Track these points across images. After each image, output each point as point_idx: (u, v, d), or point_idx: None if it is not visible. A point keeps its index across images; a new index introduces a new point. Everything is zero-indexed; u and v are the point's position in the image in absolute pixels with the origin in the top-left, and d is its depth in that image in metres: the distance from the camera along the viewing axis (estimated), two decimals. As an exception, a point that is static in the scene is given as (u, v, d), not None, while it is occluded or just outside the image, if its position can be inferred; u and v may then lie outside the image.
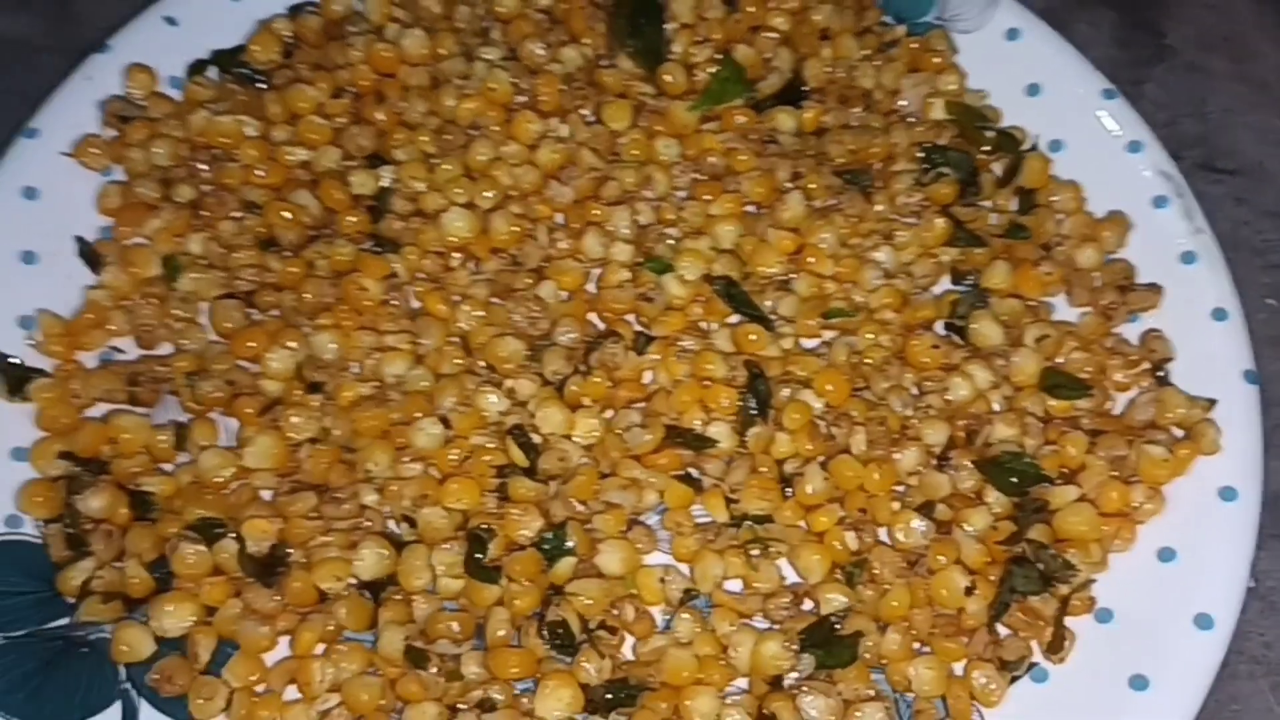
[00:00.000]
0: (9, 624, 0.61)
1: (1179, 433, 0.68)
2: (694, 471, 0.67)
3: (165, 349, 0.70)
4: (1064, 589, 0.63)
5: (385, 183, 0.74)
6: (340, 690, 0.60)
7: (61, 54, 0.82)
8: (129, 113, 0.75)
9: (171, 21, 0.78)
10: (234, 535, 0.62)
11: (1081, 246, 0.73)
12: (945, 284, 0.74)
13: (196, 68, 0.78)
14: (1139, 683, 0.61)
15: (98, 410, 0.67)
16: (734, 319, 0.71)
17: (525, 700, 0.60)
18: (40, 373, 0.67)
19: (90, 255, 0.71)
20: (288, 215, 0.72)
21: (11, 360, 0.67)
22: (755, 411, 0.67)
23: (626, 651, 0.63)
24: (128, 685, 0.61)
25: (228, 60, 0.78)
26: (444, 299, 0.70)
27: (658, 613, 0.63)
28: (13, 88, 0.81)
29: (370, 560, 0.62)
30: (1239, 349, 0.69)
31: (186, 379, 0.67)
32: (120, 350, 0.70)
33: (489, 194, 0.73)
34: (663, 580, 0.63)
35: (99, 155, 0.74)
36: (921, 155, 0.75)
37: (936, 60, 0.79)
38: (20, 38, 0.86)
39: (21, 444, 0.66)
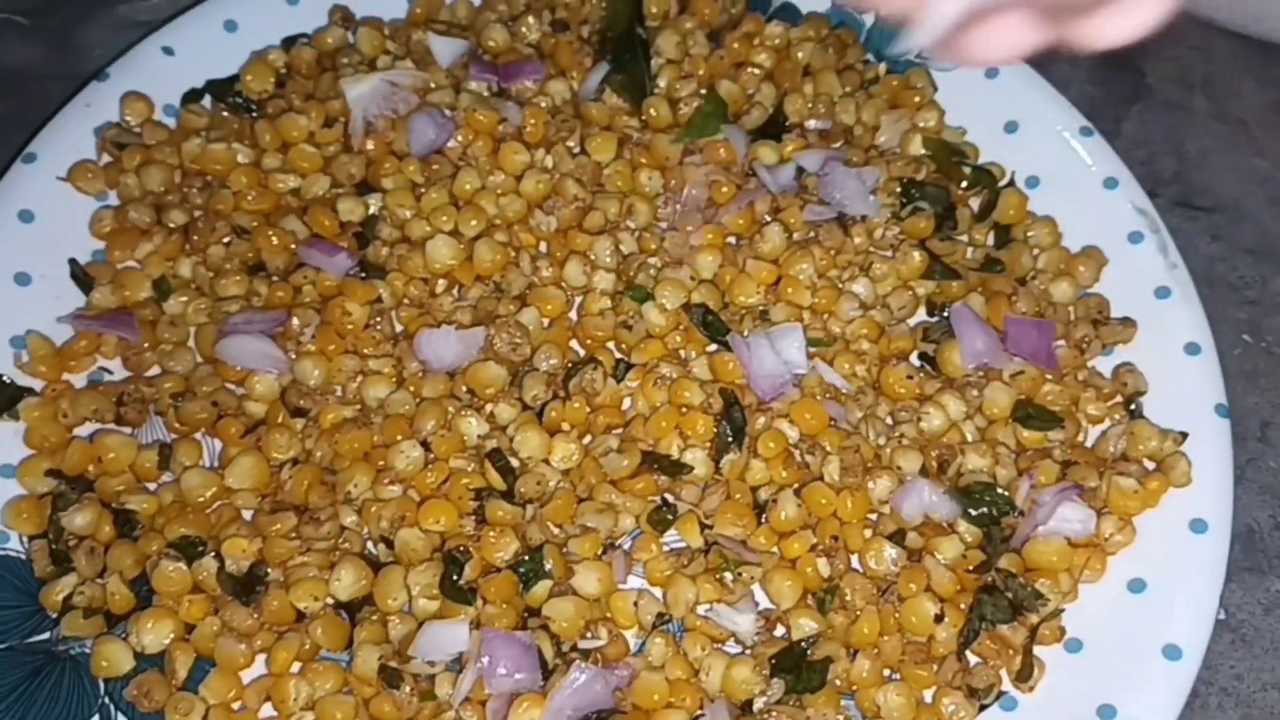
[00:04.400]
0: (-10, 637, 0.62)
1: (1150, 465, 0.68)
2: (669, 497, 0.67)
3: (153, 370, 0.71)
4: (1033, 618, 0.64)
5: (373, 210, 0.75)
6: (315, 708, 0.60)
7: (62, 81, 0.83)
8: (124, 139, 0.77)
9: (169, 51, 0.80)
10: (214, 554, 0.63)
11: (1057, 281, 0.74)
12: (921, 315, 0.75)
13: (191, 96, 0.80)
14: (1107, 712, 0.61)
15: (85, 429, 0.69)
16: (712, 347, 0.72)
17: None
18: (30, 391, 0.69)
19: (82, 278, 0.73)
20: (275, 240, 0.73)
21: (2, 379, 0.68)
22: (730, 439, 0.68)
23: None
24: (107, 700, 0.62)
25: (222, 89, 0.80)
26: (428, 324, 0.71)
27: (631, 636, 0.64)
28: (13, 114, 0.83)
29: (348, 580, 0.63)
30: (1211, 383, 0.70)
31: (172, 400, 0.68)
32: (108, 371, 0.71)
33: (474, 222, 0.74)
34: (636, 604, 0.64)
35: (94, 180, 0.76)
36: (899, 190, 0.76)
37: (916, 97, 0.81)
38: (22, 66, 0.88)
39: (9, 461, 0.67)
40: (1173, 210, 0.82)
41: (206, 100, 0.80)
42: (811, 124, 0.80)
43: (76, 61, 0.87)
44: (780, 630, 0.64)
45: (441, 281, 0.73)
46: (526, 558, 0.64)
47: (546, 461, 0.67)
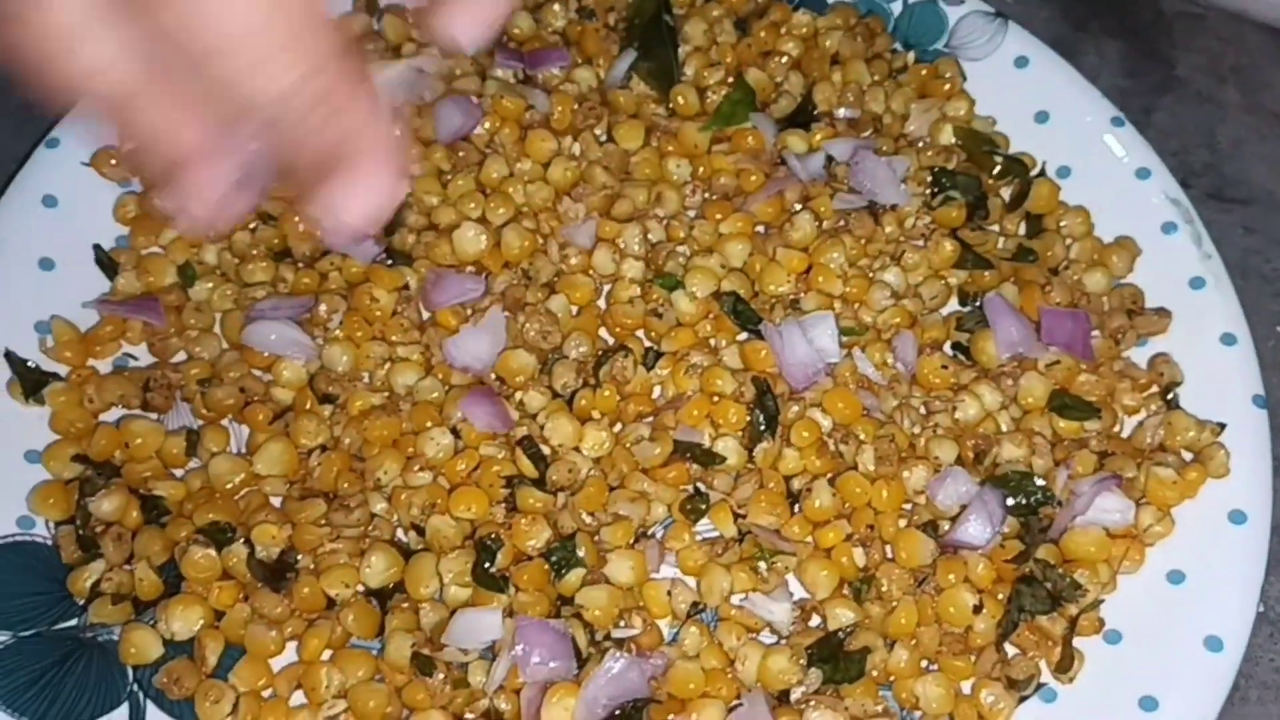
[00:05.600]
0: (19, 623, 0.61)
1: (1188, 456, 0.68)
2: (702, 486, 0.67)
3: (179, 356, 0.70)
4: (1072, 609, 0.63)
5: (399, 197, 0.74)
6: (348, 696, 0.60)
7: (83, 68, 0.83)
8: (148, 125, 0.76)
9: (193, 37, 0.79)
10: (244, 540, 0.62)
11: (1090, 271, 0.73)
12: (953, 305, 0.74)
13: (216, 83, 0.79)
14: (1148, 703, 0.61)
15: (111, 415, 0.68)
16: (742, 336, 0.71)
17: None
18: (55, 377, 0.68)
19: (106, 263, 0.72)
20: (301, 226, 0.72)
21: (28, 364, 0.68)
22: (764, 427, 0.67)
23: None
24: (135, 687, 0.61)
25: (247, 76, 0.79)
26: (455, 312, 0.70)
27: (664, 625, 0.63)
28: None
29: (379, 567, 0.62)
30: (1248, 373, 0.69)
31: (199, 386, 0.68)
32: (133, 356, 0.70)
33: (501, 210, 0.73)
34: (670, 593, 0.63)
35: (117, 166, 0.75)
36: (930, 179, 0.76)
37: (946, 87, 0.80)
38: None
39: (35, 447, 0.66)
40: (1205, 202, 0.81)
41: (231, 86, 0.79)
42: (840, 112, 0.79)
43: (97, 49, 0.87)
44: (816, 620, 0.64)
45: (469, 269, 0.73)
46: (558, 545, 0.63)
47: (577, 449, 0.66)
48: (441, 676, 0.60)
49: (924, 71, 0.81)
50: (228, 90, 0.26)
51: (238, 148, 0.29)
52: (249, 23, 0.25)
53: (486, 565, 0.62)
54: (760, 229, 0.75)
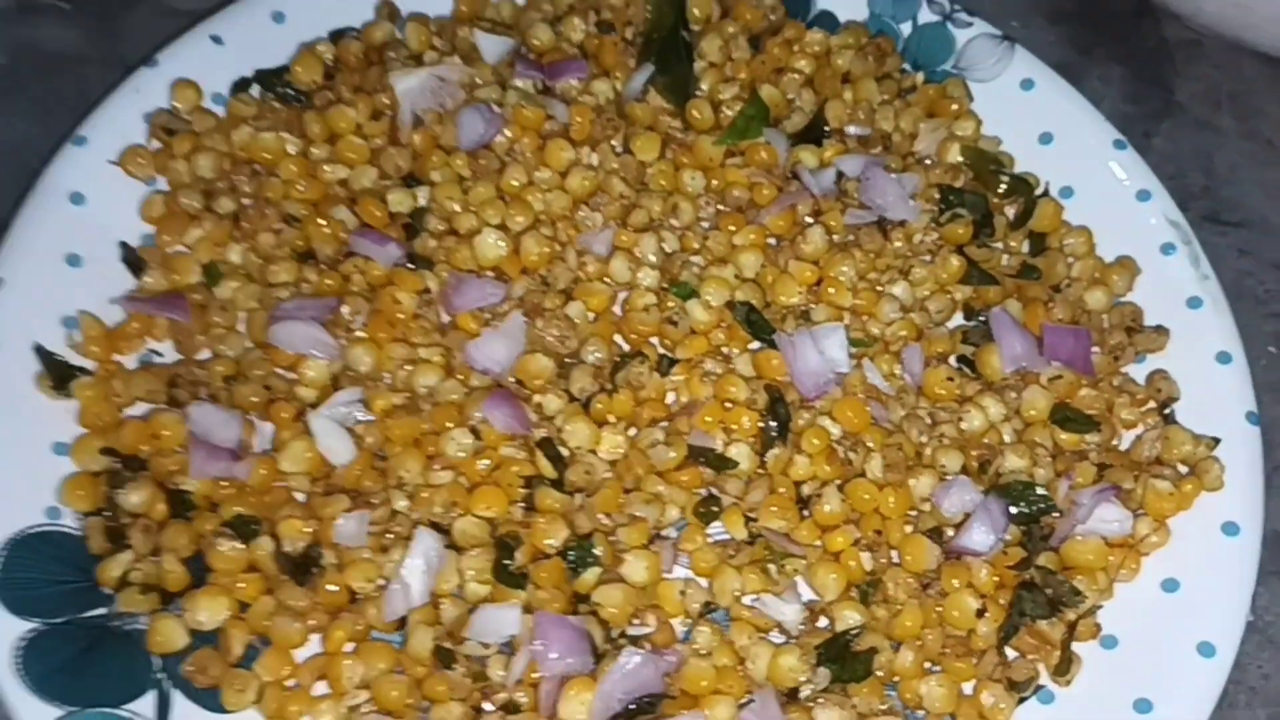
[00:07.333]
0: (49, 611, 0.62)
1: (1184, 469, 0.70)
2: (714, 490, 0.68)
3: (204, 353, 0.72)
4: (1071, 614, 0.65)
5: (421, 202, 0.76)
6: (369, 687, 0.61)
7: (105, 66, 0.84)
8: (174, 126, 0.78)
9: (217, 40, 0.81)
10: (270, 534, 0.64)
11: (1091, 289, 0.76)
12: (958, 320, 0.76)
13: (240, 86, 0.80)
14: (1143, 705, 0.63)
15: (136, 409, 0.69)
16: (755, 345, 0.73)
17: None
18: (83, 371, 0.69)
19: (133, 261, 0.73)
20: (326, 229, 0.74)
21: (56, 358, 0.69)
22: (775, 434, 0.69)
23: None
24: (162, 675, 0.62)
25: (271, 80, 0.81)
26: (475, 316, 0.72)
27: (678, 624, 0.65)
28: (59, 97, 0.83)
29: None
30: (1242, 391, 0.72)
31: (224, 383, 0.69)
32: (159, 354, 0.72)
33: (520, 218, 0.75)
34: (683, 593, 0.65)
35: (144, 165, 0.76)
36: (938, 196, 0.78)
37: (953, 107, 0.82)
38: (66, 50, 0.88)
39: (63, 439, 0.67)
40: (1201, 225, 0.84)
41: (255, 90, 0.81)
42: (851, 130, 0.81)
43: (115, 47, 0.88)
44: (824, 621, 0.66)
45: (489, 274, 0.74)
46: (575, 545, 0.65)
47: (594, 452, 0.68)
48: (461, 670, 0.61)
49: (932, 91, 0.83)
50: None
51: None
52: None
53: (506, 563, 0.64)
54: (772, 241, 0.77)
